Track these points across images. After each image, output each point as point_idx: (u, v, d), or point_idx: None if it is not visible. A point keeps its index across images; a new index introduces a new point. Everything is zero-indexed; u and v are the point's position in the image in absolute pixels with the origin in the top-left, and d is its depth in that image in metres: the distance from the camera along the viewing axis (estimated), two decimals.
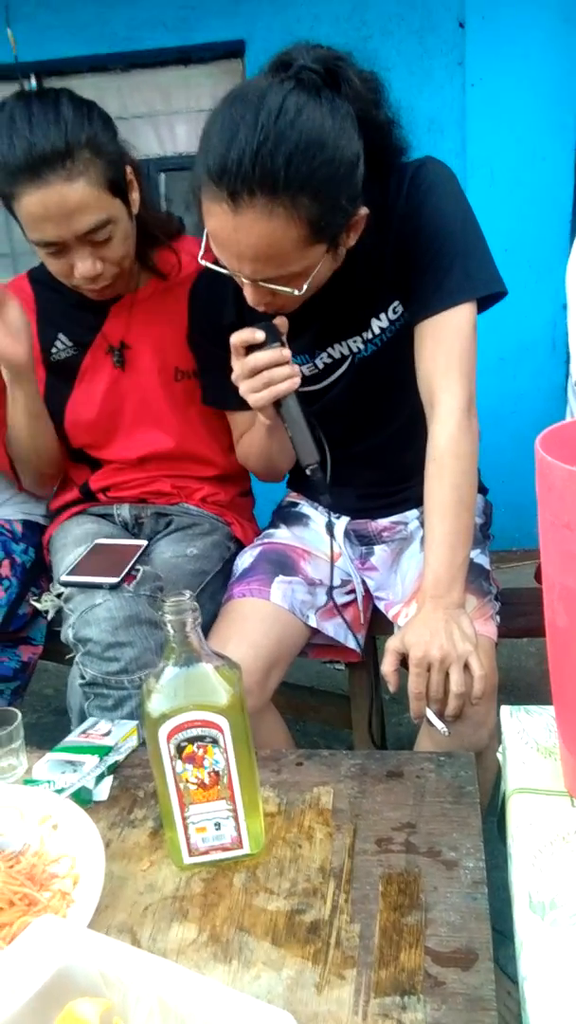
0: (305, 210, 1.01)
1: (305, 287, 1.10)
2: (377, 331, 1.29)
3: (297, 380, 1.17)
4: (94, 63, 2.96)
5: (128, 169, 1.34)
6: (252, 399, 1.18)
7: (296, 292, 1.10)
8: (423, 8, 2.76)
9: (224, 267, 1.11)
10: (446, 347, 1.21)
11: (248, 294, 1.14)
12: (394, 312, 1.28)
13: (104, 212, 1.27)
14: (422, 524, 1.43)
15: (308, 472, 1.22)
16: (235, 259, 1.07)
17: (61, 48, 2.91)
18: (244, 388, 1.18)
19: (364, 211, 1.12)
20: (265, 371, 1.16)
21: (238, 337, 1.17)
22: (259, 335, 1.15)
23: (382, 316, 1.28)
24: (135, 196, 1.37)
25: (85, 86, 3.00)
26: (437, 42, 2.79)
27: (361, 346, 1.31)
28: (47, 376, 1.53)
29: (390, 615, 1.39)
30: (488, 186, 2.81)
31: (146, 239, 1.45)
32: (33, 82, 3.02)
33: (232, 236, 1.04)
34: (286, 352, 1.17)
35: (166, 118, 3.03)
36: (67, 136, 1.22)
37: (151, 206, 1.45)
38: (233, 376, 1.20)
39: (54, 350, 1.52)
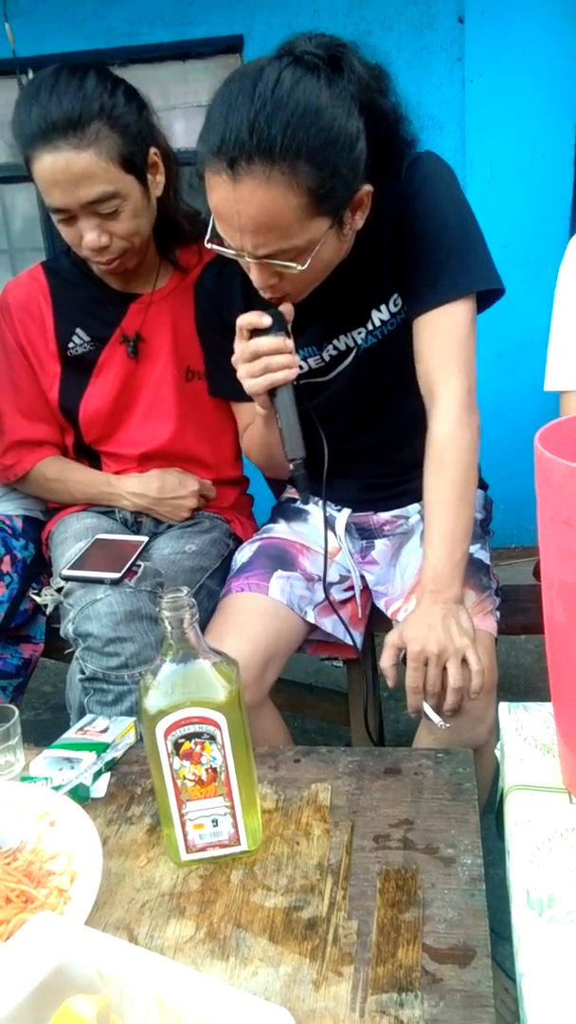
0: (304, 176, 1.02)
1: (308, 262, 1.09)
2: (378, 323, 1.29)
3: (295, 371, 1.17)
4: (92, 58, 2.94)
5: (152, 151, 1.35)
6: (248, 384, 1.18)
7: (299, 267, 1.09)
8: (422, 3, 2.76)
9: (230, 248, 1.11)
10: (444, 342, 1.21)
11: (253, 276, 1.13)
12: (394, 305, 1.28)
13: (111, 185, 1.28)
14: (423, 518, 1.43)
15: (291, 467, 1.22)
16: (237, 233, 1.07)
17: (59, 43, 2.90)
18: (242, 371, 1.18)
19: (368, 188, 1.11)
20: (265, 357, 1.16)
21: (245, 319, 1.17)
22: (265, 320, 1.15)
23: (382, 308, 1.28)
24: (158, 179, 1.38)
25: None
26: (436, 37, 2.78)
27: (364, 338, 1.31)
28: (63, 370, 1.54)
29: (389, 611, 1.38)
30: (487, 182, 2.80)
31: (171, 231, 1.46)
32: (31, 77, 3.01)
33: (233, 207, 1.04)
34: (289, 342, 1.17)
35: (164, 114, 2.98)
36: (82, 106, 1.24)
37: (179, 198, 1.46)
38: (233, 358, 1.20)
39: (71, 344, 1.52)
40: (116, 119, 1.28)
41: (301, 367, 1.35)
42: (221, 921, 0.82)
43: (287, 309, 1.17)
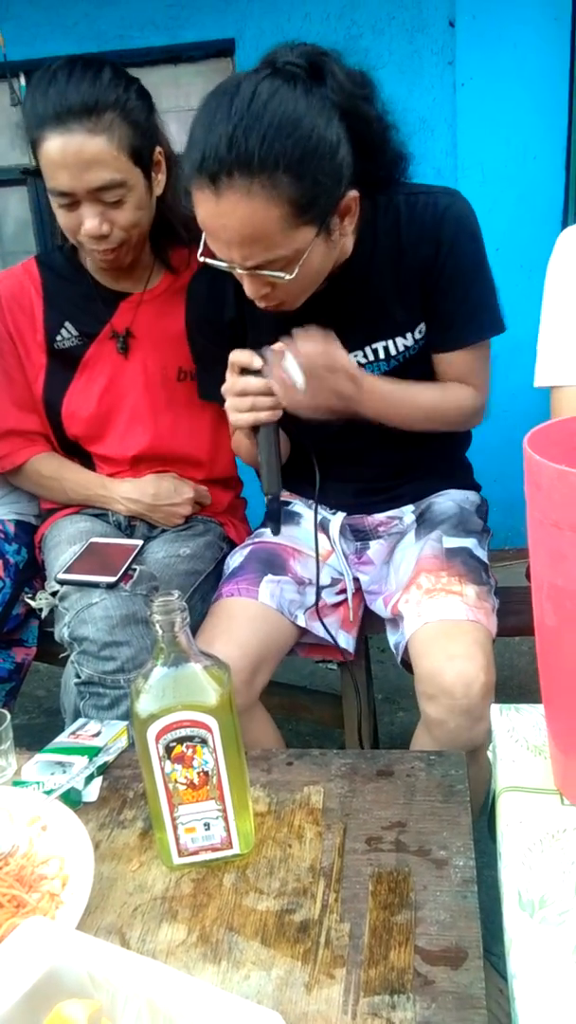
0: (284, 187, 1.04)
1: (296, 271, 1.11)
2: (401, 348, 1.34)
3: (279, 414, 1.21)
4: None
5: (158, 150, 1.39)
6: (233, 418, 1.22)
7: (288, 277, 1.11)
8: (414, 7, 2.76)
9: (221, 261, 1.13)
10: (472, 371, 1.36)
11: (246, 287, 1.16)
12: (419, 332, 1.33)
13: (119, 174, 1.31)
14: (417, 519, 1.44)
15: (266, 501, 1.26)
16: (224, 246, 1.09)
17: (50, 47, 2.88)
18: (229, 405, 1.22)
19: (354, 194, 1.14)
20: (252, 396, 1.19)
21: (236, 358, 1.20)
22: (256, 362, 1.18)
23: (408, 336, 1.33)
24: (160, 178, 1.41)
25: None
26: (427, 41, 2.79)
27: (363, 360, 1.34)
28: (48, 362, 1.54)
29: (388, 607, 1.36)
30: (479, 185, 2.81)
31: (166, 231, 1.48)
32: (23, 81, 3.00)
33: (217, 221, 1.07)
34: (276, 384, 1.19)
35: None
36: (98, 94, 1.27)
37: (178, 199, 1.47)
38: (223, 389, 1.22)
39: (59, 338, 1.53)
40: (128, 112, 1.31)
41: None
42: (213, 925, 0.82)
43: (278, 347, 1.19)
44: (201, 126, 1.05)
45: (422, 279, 1.28)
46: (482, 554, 1.38)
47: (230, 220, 1.05)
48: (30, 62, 2.94)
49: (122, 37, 2.86)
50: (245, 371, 1.20)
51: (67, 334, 1.53)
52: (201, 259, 1.16)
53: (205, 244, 1.13)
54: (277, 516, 1.28)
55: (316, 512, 1.42)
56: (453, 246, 1.25)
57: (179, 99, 2.97)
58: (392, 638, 1.35)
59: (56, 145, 1.27)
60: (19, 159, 3.10)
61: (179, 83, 2.96)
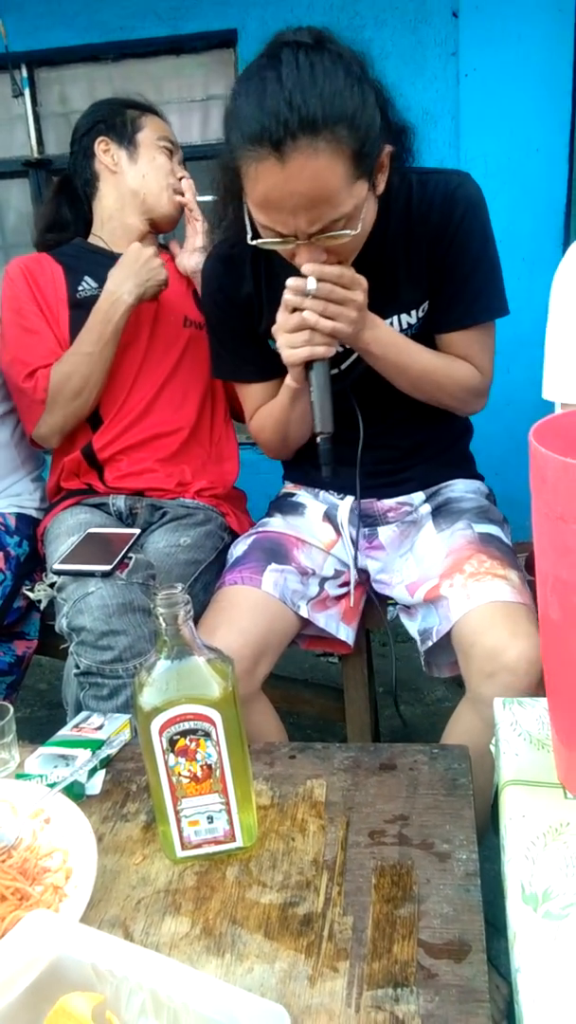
0: (345, 141, 1.06)
1: (360, 226, 1.13)
2: (405, 325, 1.34)
3: (332, 350, 1.20)
4: (85, 53, 2.93)
5: None
6: (287, 354, 1.21)
7: (352, 232, 1.12)
8: None
9: (275, 238, 1.13)
10: (480, 351, 1.37)
11: (302, 259, 1.15)
12: (422, 311, 1.34)
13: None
14: (435, 510, 1.43)
15: (319, 440, 1.23)
16: (290, 215, 1.09)
17: (52, 38, 2.88)
18: (282, 342, 1.21)
19: (389, 148, 1.16)
20: (308, 330, 1.17)
21: (292, 282, 1.16)
22: (311, 284, 1.15)
23: (412, 313, 1.33)
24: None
25: (77, 76, 2.97)
26: (431, 32, 2.77)
27: None
28: (71, 313, 1.65)
29: (416, 595, 1.32)
30: (482, 177, 2.75)
31: None
32: (24, 72, 2.99)
33: (284, 189, 1.07)
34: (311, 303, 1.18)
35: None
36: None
37: None
38: (273, 328, 1.22)
39: (80, 289, 1.65)
40: None
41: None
42: (217, 918, 0.82)
43: (307, 270, 1.18)
44: (249, 103, 1.06)
45: (429, 257, 1.29)
46: (509, 542, 1.38)
47: (298, 184, 1.06)
48: (32, 53, 2.93)
49: (124, 28, 2.85)
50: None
51: (87, 286, 1.66)
52: (252, 243, 1.17)
53: (254, 228, 1.14)
54: (330, 457, 1.24)
55: (358, 487, 1.42)
56: (461, 225, 1.27)
57: (181, 90, 2.96)
58: (414, 626, 1.33)
59: (159, 128, 1.70)
60: (21, 151, 3.09)
61: (181, 74, 2.95)
